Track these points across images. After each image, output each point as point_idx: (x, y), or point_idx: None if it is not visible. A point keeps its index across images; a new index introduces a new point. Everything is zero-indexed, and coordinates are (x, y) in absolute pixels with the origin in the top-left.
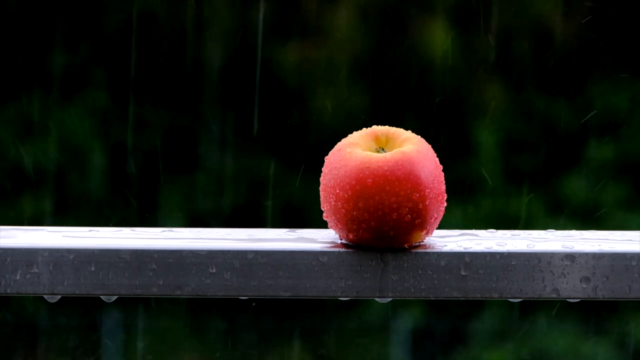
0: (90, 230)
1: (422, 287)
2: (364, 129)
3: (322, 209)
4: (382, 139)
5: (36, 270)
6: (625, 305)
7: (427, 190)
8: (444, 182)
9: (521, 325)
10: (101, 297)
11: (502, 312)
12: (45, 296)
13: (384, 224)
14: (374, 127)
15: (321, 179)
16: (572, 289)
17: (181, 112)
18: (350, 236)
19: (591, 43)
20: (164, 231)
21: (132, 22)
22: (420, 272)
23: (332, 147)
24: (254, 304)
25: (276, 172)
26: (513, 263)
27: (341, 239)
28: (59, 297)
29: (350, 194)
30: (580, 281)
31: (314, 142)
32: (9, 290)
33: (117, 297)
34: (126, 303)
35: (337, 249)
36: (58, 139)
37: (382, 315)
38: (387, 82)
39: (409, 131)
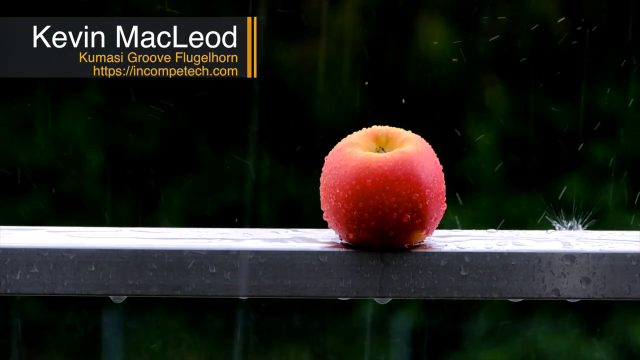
0: (90, 231)
1: (422, 287)
2: (364, 129)
3: (322, 209)
4: (382, 139)
5: (36, 270)
6: (625, 306)
7: (427, 190)
8: (444, 182)
9: (520, 325)
10: (110, 297)
11: (501, 312)
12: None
13: (384, 224)
14: (374, 127)
15: (321, 179)
16: (572, 289)
17: (180, 112)
18: (350, 236)
19: (591, 42)
20: (164, 231)
21: None
22: (420, 272)
23: (332, 147)
24: (263, 304)
25: (276, 172)
26: (513, 263)
27: (341, 239)
28: (124, 297)
29: (350, 194)
30: (580, 281)
31: (313, 142)
32: (9, 290)
33: (125, 297)
34: (126, 303)
35: (337, 249)
36: (57, 138)
37: (381, 315)
38: (386, 82)
39: (409, 131)
